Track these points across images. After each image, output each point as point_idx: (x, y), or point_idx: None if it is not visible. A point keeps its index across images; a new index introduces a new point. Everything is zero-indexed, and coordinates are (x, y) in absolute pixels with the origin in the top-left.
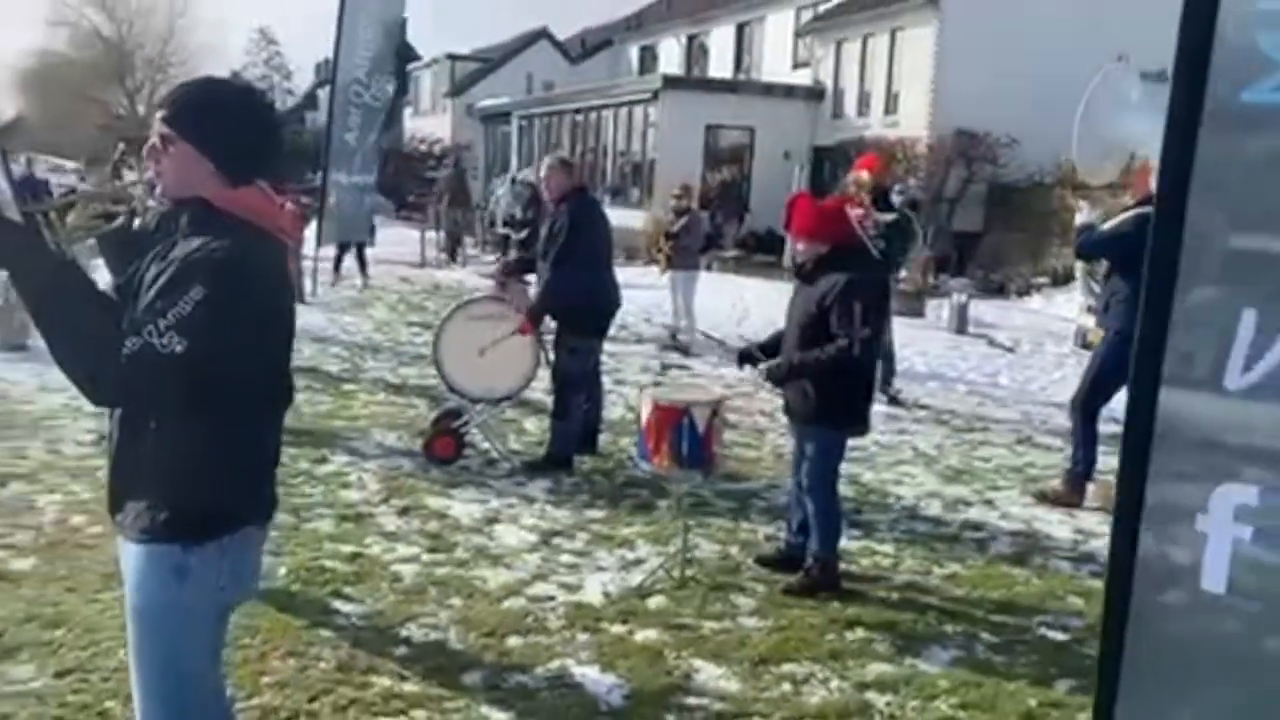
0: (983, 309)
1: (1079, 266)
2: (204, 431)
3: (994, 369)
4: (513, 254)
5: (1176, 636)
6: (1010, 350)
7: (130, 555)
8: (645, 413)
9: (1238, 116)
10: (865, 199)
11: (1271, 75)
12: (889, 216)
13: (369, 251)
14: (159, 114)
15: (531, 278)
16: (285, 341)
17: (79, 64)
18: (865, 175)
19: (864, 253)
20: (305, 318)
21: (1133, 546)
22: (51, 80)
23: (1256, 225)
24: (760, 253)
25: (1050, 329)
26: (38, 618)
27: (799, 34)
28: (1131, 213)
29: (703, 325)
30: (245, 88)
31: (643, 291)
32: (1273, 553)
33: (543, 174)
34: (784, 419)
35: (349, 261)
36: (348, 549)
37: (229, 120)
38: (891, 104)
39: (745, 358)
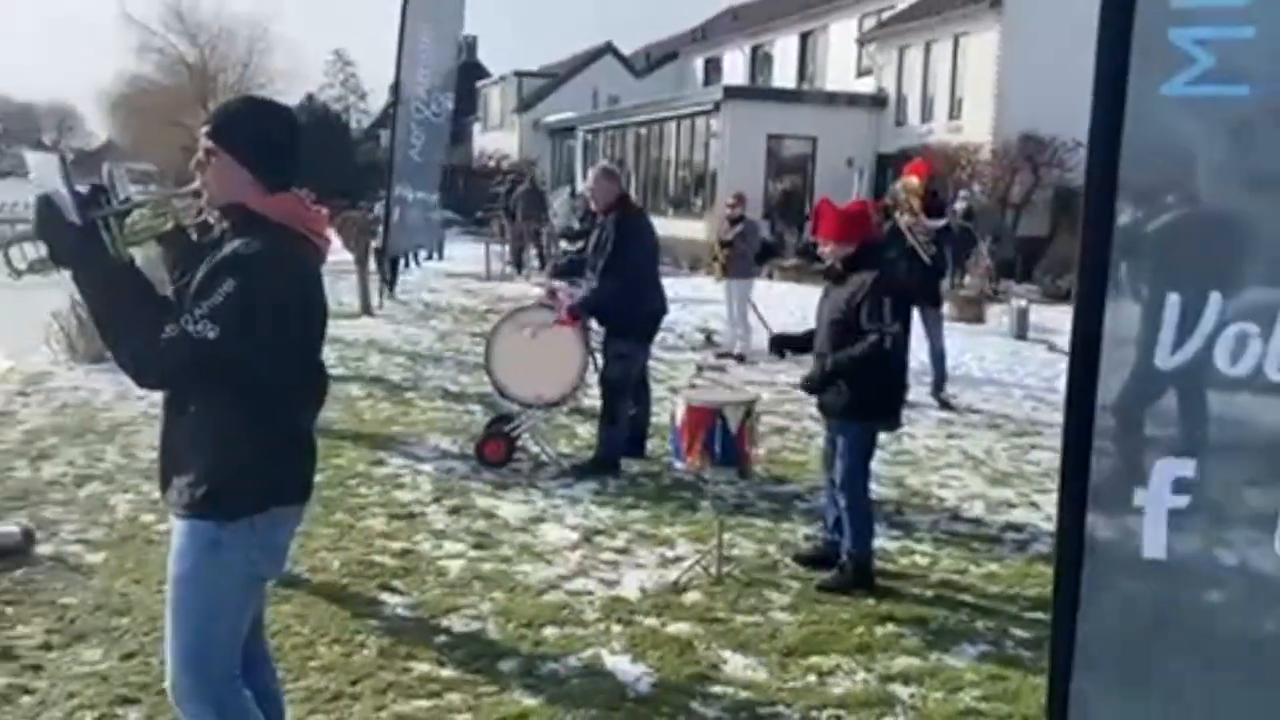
0: (1047, 314)
1: None
2: (237, 416)
3: (1053, 374)
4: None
5: (1125, 604)
6: None
7: (175, 529)
8: (679, 414)
9: (1157, 109)
10: (916, 204)
11: (1185, 70)
12: (940, 222)
13: (434, 263)
14: (203, 130)
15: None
16: (315, 335)
17: (165, 89)
18: (915, 180)
19: (893, 251)
20: (372, 330)
21: (1080, 523)
22: (139, 105)
23: (1176, 211)
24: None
25: None
26: (106, 606)
27: (861, 42)
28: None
29: (761, 332)
30: (277, 104)
31: (703, 304)
32: (1207, 519)
33: (589, 184)
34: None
35: (416, 274)
36: (398, 545)
37: (263, 133)
38: (955, 109)
39: (778, 343)
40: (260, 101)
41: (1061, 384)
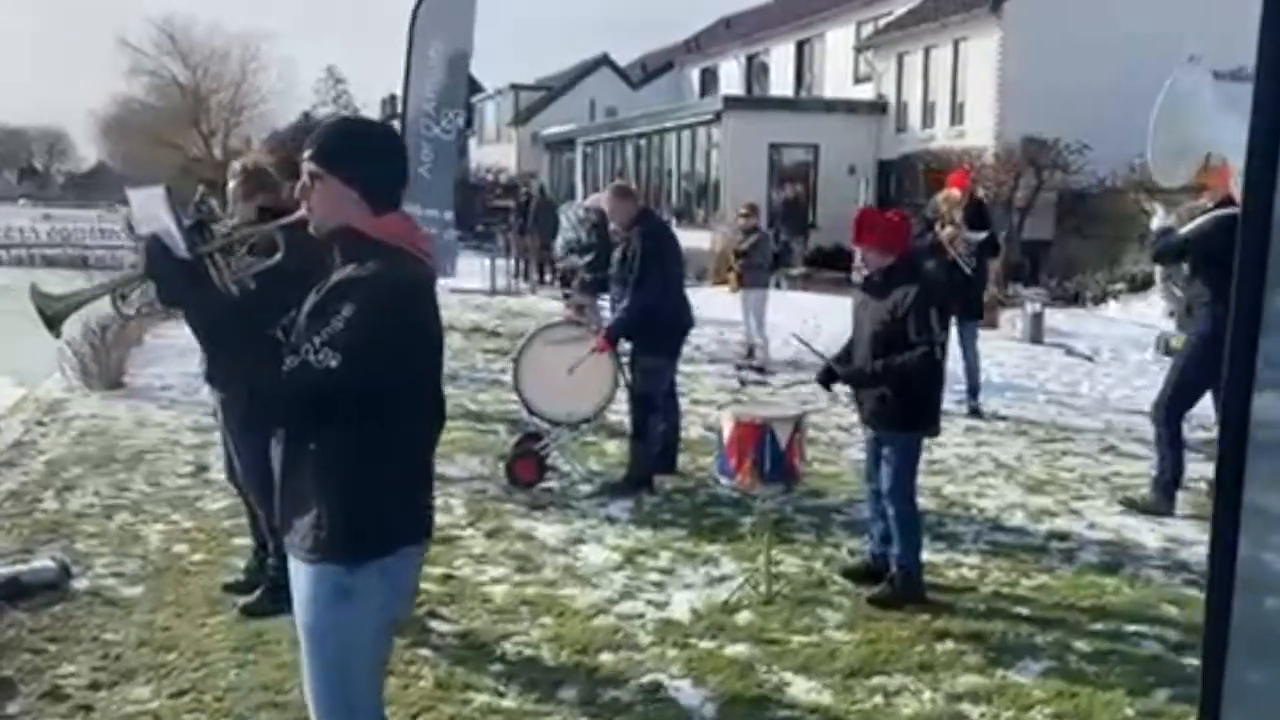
0: (1058, 318)
1: (1158, 271)
2: (363, 450)
3: (1073, 378)
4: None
5: None
6: (1089, 359)
7: (299, 574)
8: (726, 430)
9: None
10: (958, 217)
11: None
12: (982, 235)
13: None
14: (305, 154)
15: (604, 299)
16: (435, 357)
17: (157, 110)
18: (956, 193)
19: (930, 263)
20: None
21: (1233, 550)
22: (131, 126)
23: None
24: (828, 269)
25: (1130, 336)
26: (150, 642)
27: (859, 49)
28: (1212, 214)
29: (780, 339)
30: (379, 124)
31: (716, 313)
32: None
33: (606, 206)
34: (859, 432)
35: None
36: (439, 571)
37: (369, 153)
38: (956, 114)
39: (827, 377)
40: (360, 121)
41: (1083, 388)
